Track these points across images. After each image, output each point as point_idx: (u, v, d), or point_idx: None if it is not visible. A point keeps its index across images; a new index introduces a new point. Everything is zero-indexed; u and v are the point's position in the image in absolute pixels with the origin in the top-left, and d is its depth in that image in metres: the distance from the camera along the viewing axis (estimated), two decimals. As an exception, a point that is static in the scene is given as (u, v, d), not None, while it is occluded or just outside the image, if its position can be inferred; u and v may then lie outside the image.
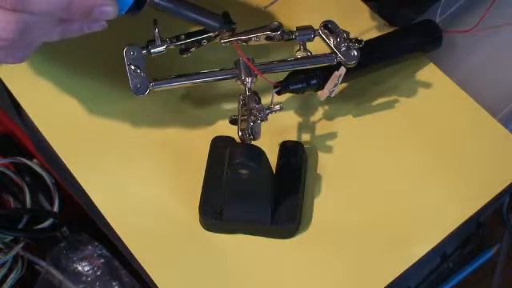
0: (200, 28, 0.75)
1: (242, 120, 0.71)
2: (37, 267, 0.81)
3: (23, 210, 0.82)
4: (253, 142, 0.70)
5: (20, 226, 0.80)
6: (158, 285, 0.71)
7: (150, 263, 0.72)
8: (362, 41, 0.74)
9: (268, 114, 0.71)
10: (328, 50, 0.74)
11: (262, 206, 0.71)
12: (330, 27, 0.74)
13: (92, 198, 0.76)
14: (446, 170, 0.76)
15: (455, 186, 0.75)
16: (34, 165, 0.84)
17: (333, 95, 0.74)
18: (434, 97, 0.80)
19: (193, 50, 0.75)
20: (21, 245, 0.79)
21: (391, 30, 0.82)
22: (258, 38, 0.75)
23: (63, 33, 0.68)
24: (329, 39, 0.74)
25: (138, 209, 0.75)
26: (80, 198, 0.79)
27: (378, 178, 0.76)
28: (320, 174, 0.76)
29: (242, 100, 0.72)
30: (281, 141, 0.76)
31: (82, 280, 0.79)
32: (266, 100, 0.73)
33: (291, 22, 0.76)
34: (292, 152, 0.75)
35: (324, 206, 0.74)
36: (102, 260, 0.80)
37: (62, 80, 0.82)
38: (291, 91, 0.75)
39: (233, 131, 0.73)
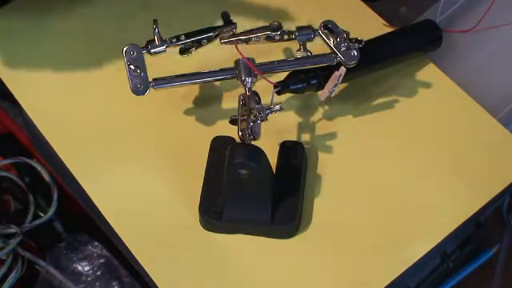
0: (200, 28, 0.75)
1: (242, 120, 0.71)
2: (37, 267, 0.81)
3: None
4: (253, 142, 0.70)
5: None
6: (157, 285, 0.71)
7: (150, 263, 0.72)
8: (362, 41, 0.74)
9: (268, 114, 0.71)
10: (328, 50, 0.74)
11: (262, 206, 0.71)
12: (330, 27, 0.74)
13: (92, 198, 0.76)
14: (446, 169, 0.76)
15: (455, 185, 0.75)
16: (34, 164, 0.84)
17: (333, 95, 0.74)
18: (434, 97, 0.80)
19: (193, 50, 0.76)
20: (17, 239, 0.79)
21: (391, 29, 0.82)
22: (258, 38, 0.75)
23: None
24: (329, 39, 0.74)
25: (137, 209, 0.75)
26: (80, 198, 0.79)
27: (378, 178, 0.76)
28: (320, 174, 0.76)
29: (242, 100, 0.72)
30: (281, 141, 0.76)
31: (82, 280, 0.79)
32: (266, 100, 0.73)
33: (291, 21, 0.76)
34: (292, 152, 0.75)
35: (324, 206, 0.74)
36: (102, 260, 0.80)
37: (62, 80, 0.82)
38: (291, 91, 0.75)
39: (233, 131, 0.73)
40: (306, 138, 0.78)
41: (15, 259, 0.80)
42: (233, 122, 0.73)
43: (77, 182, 0.77)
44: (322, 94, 0.74)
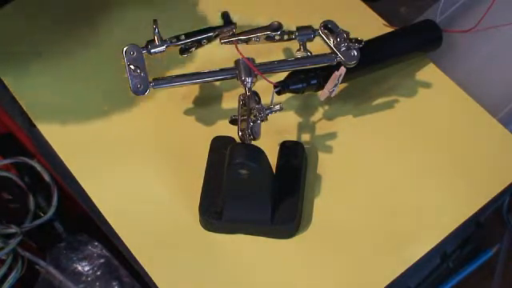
0: (200, 28, 0.75)
1: (242, 120, 0.71)
2: (37, 267, 0.81)
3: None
4: (253, 142, 0.70)
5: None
6: (157, 285, 0.71)
7: (150, 263, 0.72)
8: (362, 41, 0.74)
9: (268, 114, 0.71)
10: (328, 50, 0.74)
11: (262, 206, 0.71)
12: (330, 27, 0.74)
13: (92, 198, 0.76)
14: (446, 169, 0.76)
15: (455, 185, 0.75)
16: (34, 164, 0.84)
17: (333, 95, 0.74)
18: (434, 97, 0.80)
19: (193, 50, 0.76)
20: (17, 239, 0.79)
21: (391, 29, 0.82)
22: (258, 38, 0.75)
23: None
24: (329, 39, 0.74)
25: (137, 209, 0.75)
26: (80, 198, 0.79)
27: (378, 178, 0.76)
28: (320, 174, 0.76)
29: (242, 100, 0.72)
30: (281, 141, 0.76)
31: (82, 280, 0.79)
32: (265, 100, 0.73)
33: (291, 22, 0.76)
34: (292, 152, 0.75)
35: (324, 206, 0.74)
36: (102, 260, 0.80)
37: (62, 80, 0.82)
38: (291, 91, 0.75)
39: (233, 131, 0.73)
40: (306, 138, 0.78)
41: (15, 259, 0.80)
42: (233, 122, 0.73)
43: (77, 181, 0.77)
44: (322, 94, 0.74)
